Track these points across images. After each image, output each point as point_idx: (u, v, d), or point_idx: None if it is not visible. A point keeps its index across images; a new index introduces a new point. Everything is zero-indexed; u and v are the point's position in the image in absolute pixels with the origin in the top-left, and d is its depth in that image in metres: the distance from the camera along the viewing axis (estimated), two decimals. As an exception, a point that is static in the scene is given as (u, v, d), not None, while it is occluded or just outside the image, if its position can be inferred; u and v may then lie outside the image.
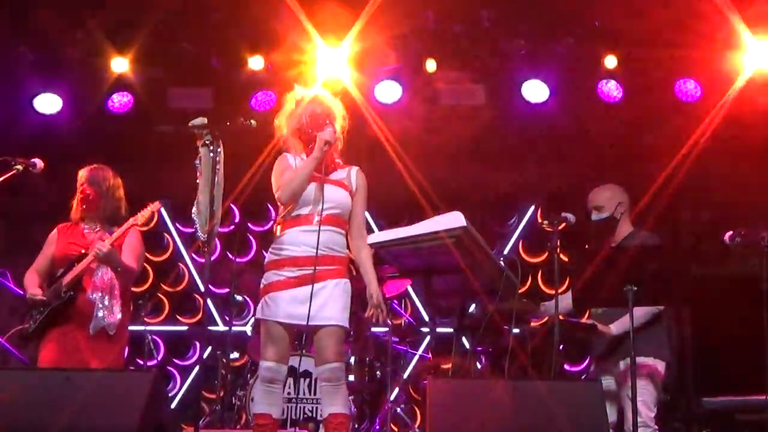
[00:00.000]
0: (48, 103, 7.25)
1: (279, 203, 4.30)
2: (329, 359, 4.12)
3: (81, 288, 4.73)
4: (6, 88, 7.21)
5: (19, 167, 4.73)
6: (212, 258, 4.86)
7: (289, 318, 4.14)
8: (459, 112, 7.45)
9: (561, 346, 4.55)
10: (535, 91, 7.22)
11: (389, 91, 7.26)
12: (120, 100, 7.33)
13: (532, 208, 8.21)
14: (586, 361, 7.36)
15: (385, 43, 6.98)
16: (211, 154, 4.15)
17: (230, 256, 7.28)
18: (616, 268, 4.24)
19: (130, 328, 5.10)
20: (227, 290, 7.51)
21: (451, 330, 6.08)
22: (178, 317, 8.16)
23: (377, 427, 6.71)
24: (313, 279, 4.09)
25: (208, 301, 7.60)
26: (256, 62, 7.16)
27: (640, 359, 4.42)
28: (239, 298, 7.40)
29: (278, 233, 4.26)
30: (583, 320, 4.82)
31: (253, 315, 7.04)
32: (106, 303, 4.72)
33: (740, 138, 6.85)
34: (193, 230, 4.38)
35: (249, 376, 6.62)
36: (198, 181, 4.25)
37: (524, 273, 7.11)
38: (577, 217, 4.68)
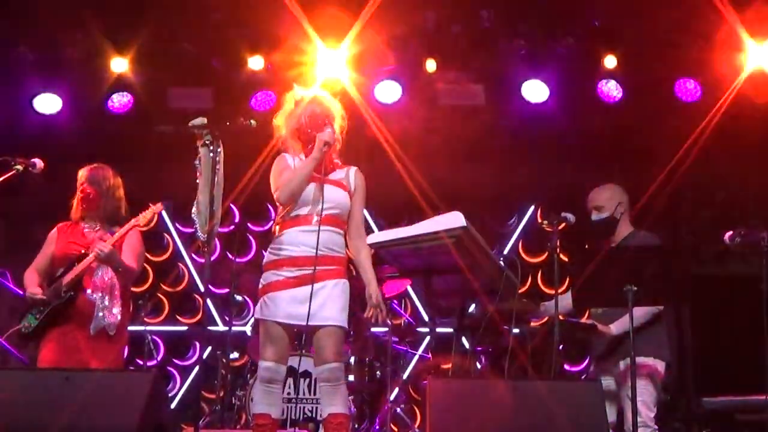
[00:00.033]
0: (48, 103, 7.25)
1: (277, 203, 4.30)
2: (328, 359, 4.12)
3: (81, 288, 4.72)
4: (6, 88, 7.21)
5: (19, 167, 4.73)
6: (212, 258, 4.85)
7: (288, 318, 4.13)
8: (459, 112, 7.45)
9: (561, 346, 4.55)
10: (535, 91, 7.22)
11: (389, 91, 7.25)
12: (120, 100, 7.33)
13: (532, 208, 8.21)
14: (586, 361, 7.36)
15: (385, 43, 6.98)
16: (211, 154, 4.15)
17: (230, 256, 7.27)
18: (615, 268, 4.24)
19: (130, 328, 5.10)
20: (227, 290, 7.51)
21: (451, 330, 6.08)
22: (178, 317, 8.16)
23: (377, 427, 6.71)
24: (313, 279, 4.09)
25: (208, 301, 7.60)
26: (256, 62, 7.15)
27: (639, 359, 4.42)
28: (239, 298, 7.40)
29: (277, 233, 4.26)
30: (583, 320, 4.82)
31: (253, 315, 7.05)
32: (106, 303, 4.71)
33: (740, 138, 6.86)
34: (193, 230, 4.38)
35: (249, 376, 6.62)
36: (198, 181, 4.25)
37: (524, 273, 7.12)
38: (577, 217, 4.69)
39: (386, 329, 6.67)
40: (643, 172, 6.79)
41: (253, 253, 8.12)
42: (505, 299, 4.46)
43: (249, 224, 8.14)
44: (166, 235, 8.23)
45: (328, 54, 6.81)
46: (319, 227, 4.13)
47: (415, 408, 7.27)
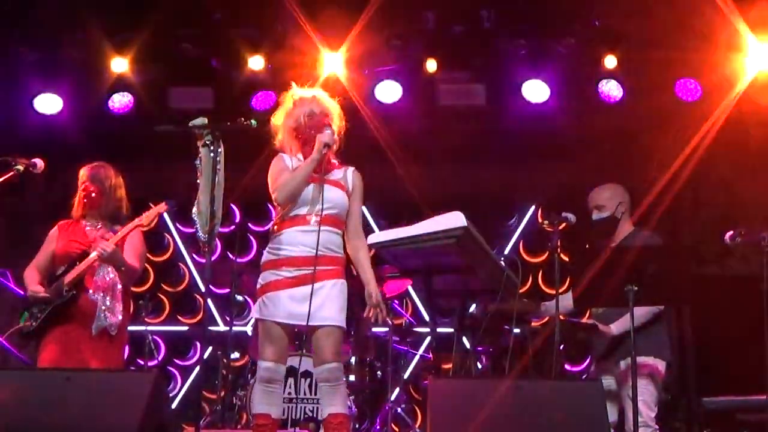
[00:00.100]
0: (48, 103, 7.24)
1: (276, 204, 4.30)
2: (327, 359, 4.11)
3: (83, 287, 4.71)
4: (6, 88, 7.21)
5: (20, 167, 4.72)
6: (213, 258, 4.86)
7: (287, 318, 4.13)
8: (459, 112, 7.45)
9: (561, 346, 4.56)
10: (536, 91, 7.21)
11: (389, 92, 7.24)
12: (120, 100, 7.32)
13: (532, 208, 8.20)
14: (587, 361, 7.35)
15: (385, 43, 6.97)
16: (212, 154, 4.15)
17: (231, 256, 7.28)
18: (616, 268, 4.24)
19: (131, 328, 5.09)
20: (228, 290, 7.51)
21: (451, 330, 6.07)
22: (178, 317, 8.16)
23: (378, 427, 6.71)
24: (312, 279, 4.09)
25: (209, 301, 7.58)
26: (256, 62, 7.14)
27: (640, 359, 4.43)
28: (240, 298, 7.40)
29: (275, 233, 4.26)
30: (584, 320, 4.82)
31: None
32: (108, 303, 4.71)
33: (741, 138, 6.85)
34: (193, 230, 4.38)
35: (249, 376, 6.61)
36: (198, 181, 4.25)
37: (525, 273, 7.10)
38: (578, 216, 4.69)
39: (387, 329, 6.67)
40: (644, 173, 6.79)
41: (253, 253, 8.11)
42: (506, 299, 4.46)
43: (250, 224, 8.14)
44: (166, 235, 8.23)
45: (329, 53, 6.81)
46: (319, 227, 4.13)
47: (416, 408, 7.27)
